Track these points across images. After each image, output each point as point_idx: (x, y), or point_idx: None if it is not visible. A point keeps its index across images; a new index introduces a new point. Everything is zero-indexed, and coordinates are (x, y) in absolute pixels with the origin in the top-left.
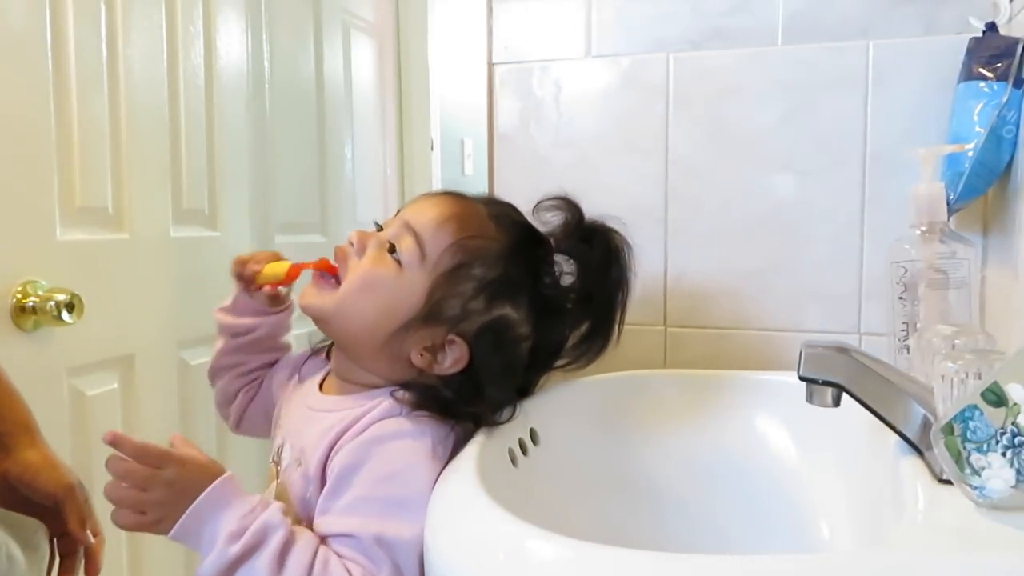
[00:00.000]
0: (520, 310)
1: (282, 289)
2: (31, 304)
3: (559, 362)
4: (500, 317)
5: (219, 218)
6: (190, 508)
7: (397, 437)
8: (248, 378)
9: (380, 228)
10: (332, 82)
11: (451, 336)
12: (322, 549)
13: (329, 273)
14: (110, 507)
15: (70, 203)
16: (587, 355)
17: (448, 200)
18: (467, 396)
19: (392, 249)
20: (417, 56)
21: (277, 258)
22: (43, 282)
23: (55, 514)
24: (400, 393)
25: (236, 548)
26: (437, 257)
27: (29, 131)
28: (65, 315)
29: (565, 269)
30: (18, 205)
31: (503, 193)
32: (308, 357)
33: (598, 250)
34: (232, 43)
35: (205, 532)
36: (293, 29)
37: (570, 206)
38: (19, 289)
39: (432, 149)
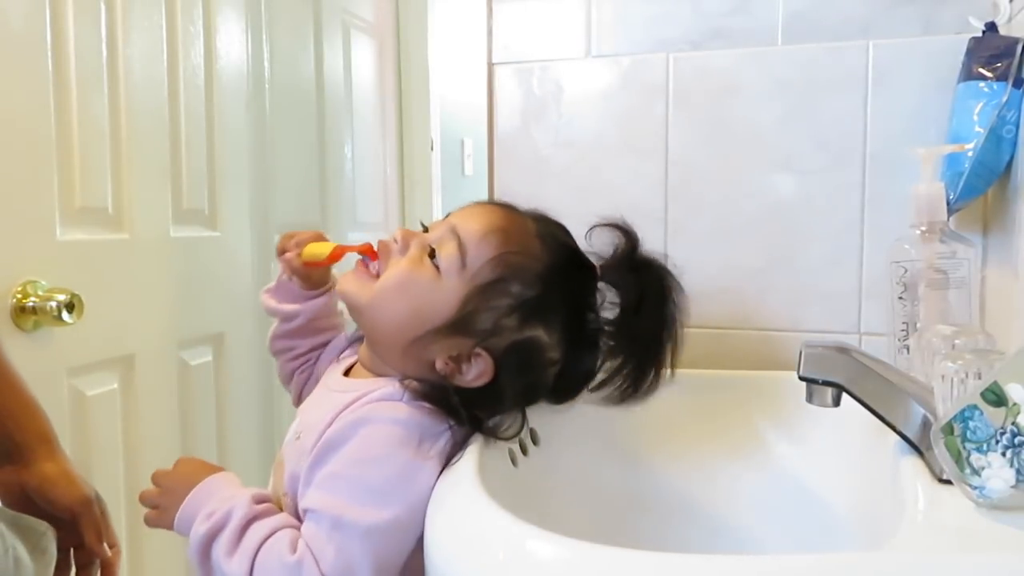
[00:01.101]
0: (553, 335)
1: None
2: (31, 304)
3: (596, 391)
4: (531, 338)
5: (219, 218)
6: (187, 497)
7: (386, 422)
8: (301, 360)
9: (426, 229)
10: (332, 82)
11: (478, 350)
12: (283, 531)
13: (370, 259)
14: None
15: (70, 203)
16: (624, 394)
17: (498, 212)
18: (478, 406)
19: (433, 254)
20: (417, 56)
21: (321, 238)
22: (43, 282)
23: (72, 526)
24: (408, 380)
25: (205, 526)
26: (477, 268)
27: (29, 131)
28: (65, 315)
29: (609, 298)
30: (18, 205)
31: (503, 193)
32: (352, 342)
33: (646, 286)
34: (232, 43)
35: (195, 518)
36: (293, 29)
37: (626, 234)
38: (19, 289)
39: (432, 149)
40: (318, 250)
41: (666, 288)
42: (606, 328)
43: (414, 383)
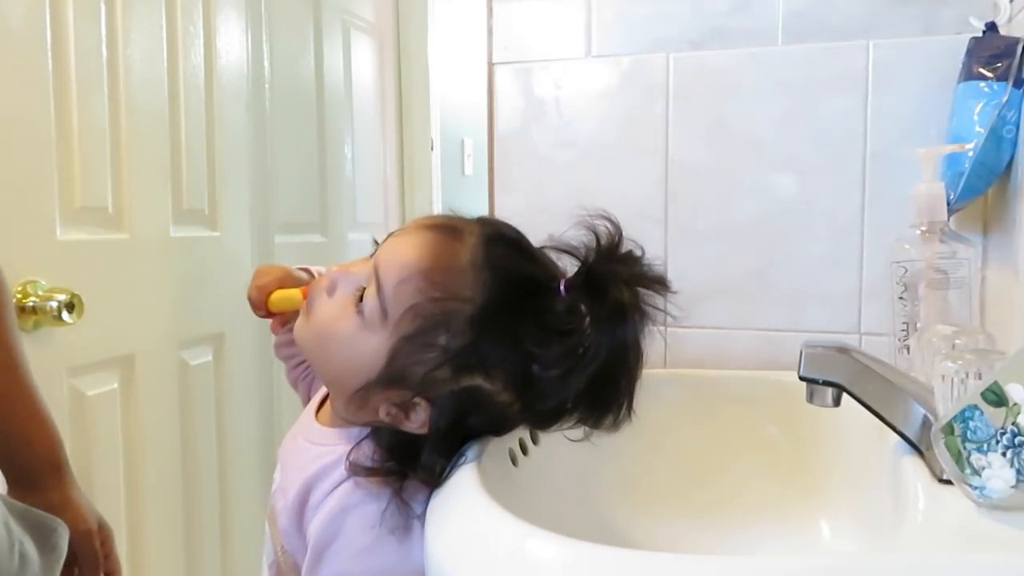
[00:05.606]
0: (495, 381)
1: None
2: (31, 304)
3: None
4: (470, 388)
5: (219, 218)
6: None
7: (362, 504)
8: (303, 367)
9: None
10: (332, 82)
11: (417, 399)
12: None
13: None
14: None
15: (70, 203)
16: (587, 428)
17: (423, 243)
18: (445, 446)
19: (362, 298)
20: (417, 56)
21: (285, 279)
22: (43, 282)
23: (70, 556)
24: (355, 454)
25: None
26: (398, 319)
27: (29, 131)
28: (65, 315)
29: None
30: (18, 205)
31: (503, 193)
32: None
33: (595, 311)
34: (232, 43)
35: None
36: (293, 29)
37: (587, 247)
38: (19, 289)
39: (432, 149)
40: (286, 296)
41: (618, 315)
42: (563, 364)
43: (360, 463)
